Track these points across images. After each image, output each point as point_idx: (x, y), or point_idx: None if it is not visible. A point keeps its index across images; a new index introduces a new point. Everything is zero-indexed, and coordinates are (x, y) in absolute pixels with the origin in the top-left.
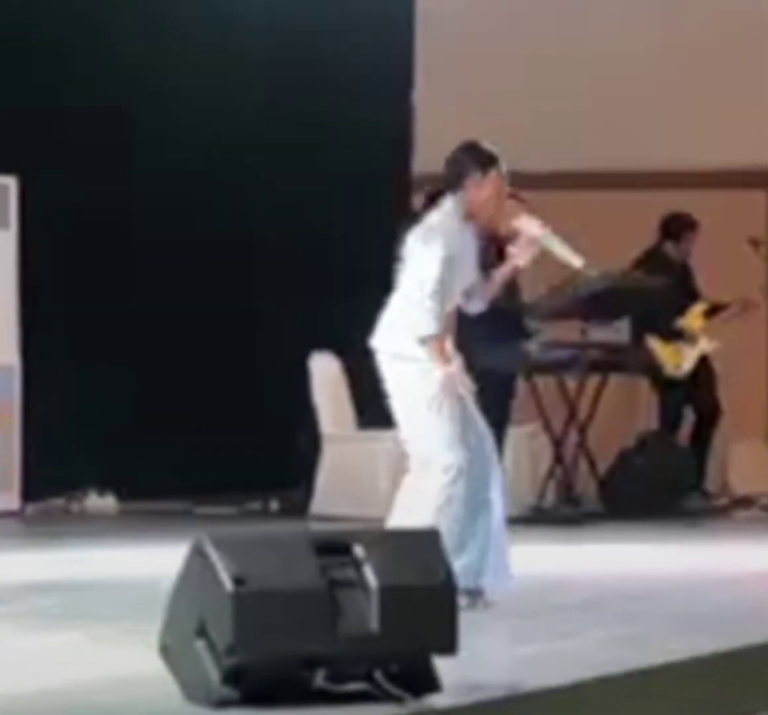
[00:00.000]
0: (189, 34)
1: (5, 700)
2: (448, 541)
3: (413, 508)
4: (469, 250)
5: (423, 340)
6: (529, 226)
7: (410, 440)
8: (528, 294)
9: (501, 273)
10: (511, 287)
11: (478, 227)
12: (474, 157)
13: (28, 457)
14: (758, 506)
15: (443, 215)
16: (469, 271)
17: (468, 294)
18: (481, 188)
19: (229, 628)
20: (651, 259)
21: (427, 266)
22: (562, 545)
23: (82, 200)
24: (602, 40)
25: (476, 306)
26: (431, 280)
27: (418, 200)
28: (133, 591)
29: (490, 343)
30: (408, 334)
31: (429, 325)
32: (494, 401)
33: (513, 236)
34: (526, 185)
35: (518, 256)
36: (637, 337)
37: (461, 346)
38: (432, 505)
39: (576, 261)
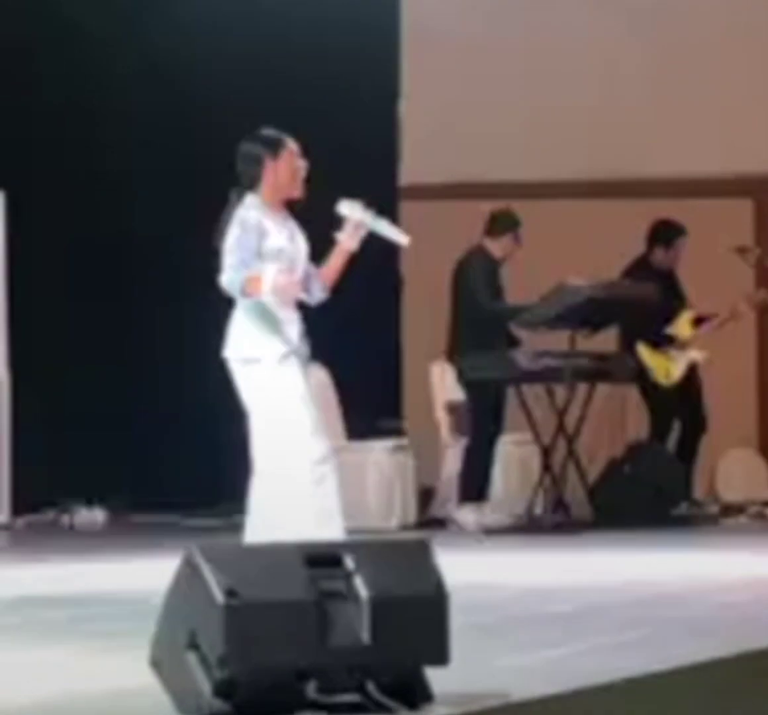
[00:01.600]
0: (165, 42)
1: None
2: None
3: (268, 504)
4: (282, 230)
5: (243, 293)
6: (352, 210)
7: (268, 439)
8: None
9: (335, 260)
10: (496, 292)
11: (282, 210)
12: (262, 146)
13: (18, 471)
14: (748, 514)
15: (243, 209)
16: (289, 248)
17: (305, 283)
18: (279, 170)
19: (221, 640)
20: (640, 268)
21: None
22: (552, 554)
23: (71, 214)
24: (590, 49)
25: (318, 296)
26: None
27: (407, 210)
28: (124, 604)
29: (478, 352)
30: (250, 338)
31: (232, 279)
32: (484, 410)
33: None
34: (513, 194)
35: (347, 241)
36: (626, 345)
37: (450, 356)
38: (306, 488)
39: (403, 239)
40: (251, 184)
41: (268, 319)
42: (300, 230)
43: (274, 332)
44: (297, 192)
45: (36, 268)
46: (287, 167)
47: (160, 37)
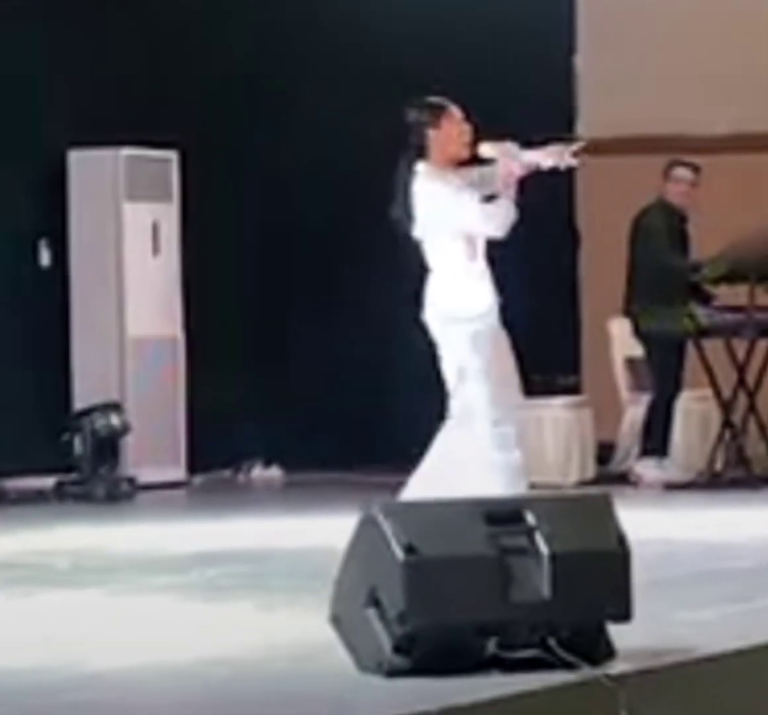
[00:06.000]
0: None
1: (175, 668)
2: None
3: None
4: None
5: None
6: (493, 148)
7: (457, 396)
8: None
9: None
10: (682, 246)
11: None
12: (423, 114)
13: (194, 429)
14: None
15: (429, 179)
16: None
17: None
18: (441, 137)
19: (401, 596)
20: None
21: (458, 208)
22: (733, 509)
23: (242, 173)
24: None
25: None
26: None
27: (583, 165)
28: (302, 561)
29: (657, 307)
30: (456, 298)
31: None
32: (664, 366)
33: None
34: (691, 148)
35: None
36: None
37: (629, 312)
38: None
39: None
40: (420, 151)
41: (464, 278)
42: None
43: (471, 292)
44: (463, 154)
45: (210, 226)
46: (449, 133)
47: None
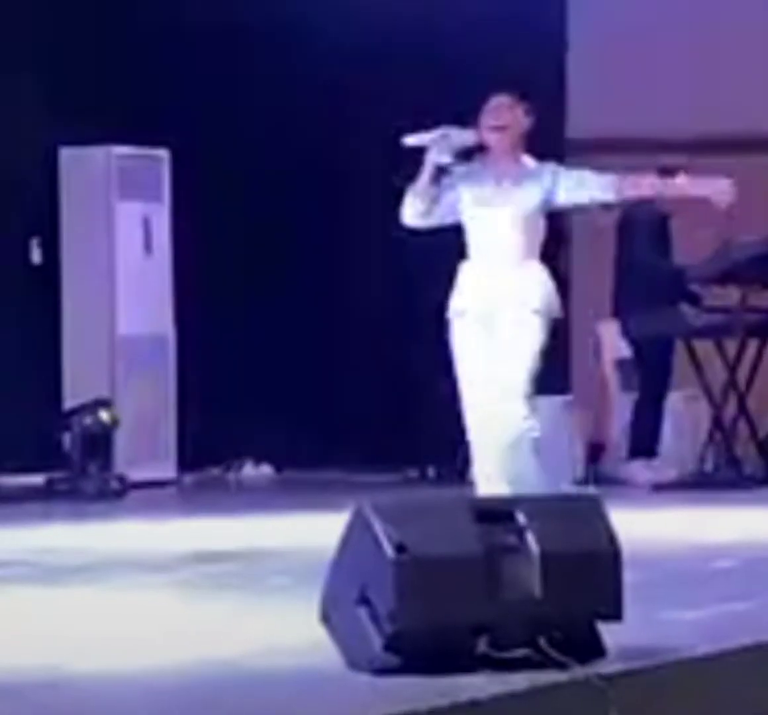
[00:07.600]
0: None
1: (166, 668)
2: None
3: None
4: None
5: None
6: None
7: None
8: (680, 258)
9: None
10: (665, 247)
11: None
12: None
13: (185, 427)
14: None
15: None
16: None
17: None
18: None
19: (391, 595)
20: None
21: None
22: (723, 510)
23: (233, 173)
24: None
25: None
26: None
27: (573, 164)
28: (293, 559)
29: (645, 308)
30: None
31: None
32: (653, 366)
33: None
34: (680, 149)
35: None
36: None
37: (617, 313)
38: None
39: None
40: None
41: (461, 274)
42: (522, 179)
43: (459, 288)
44: (487, 142)
45: (201, 225)
46: (481, 123)
47: None
